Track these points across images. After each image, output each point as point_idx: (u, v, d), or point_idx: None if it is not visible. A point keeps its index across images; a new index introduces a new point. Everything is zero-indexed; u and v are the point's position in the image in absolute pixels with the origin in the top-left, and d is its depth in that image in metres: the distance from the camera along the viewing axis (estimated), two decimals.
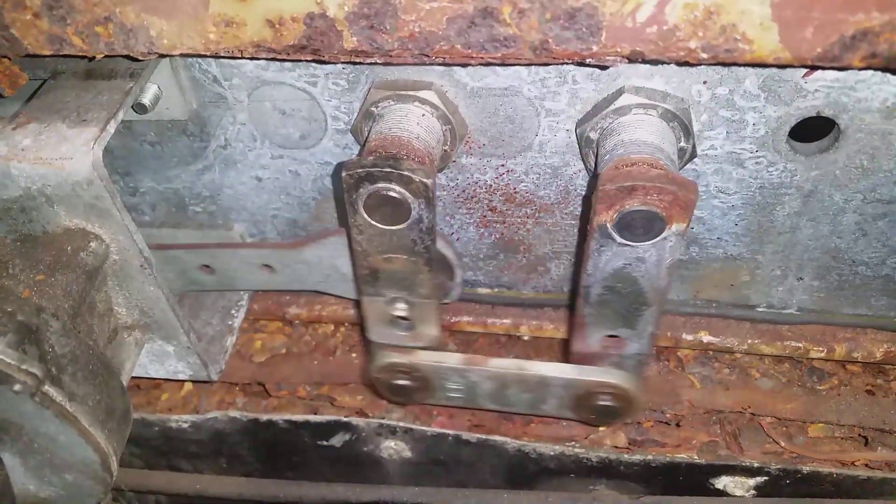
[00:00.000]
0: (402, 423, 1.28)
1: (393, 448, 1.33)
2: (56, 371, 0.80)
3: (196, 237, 1.26)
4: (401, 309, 1.09)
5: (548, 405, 1.11)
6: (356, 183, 0.87)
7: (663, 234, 0.85)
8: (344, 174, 0.86)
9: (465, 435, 1.27)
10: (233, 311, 1.30)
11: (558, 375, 1.06)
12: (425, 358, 1.09)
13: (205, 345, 1.23)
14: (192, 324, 1.08)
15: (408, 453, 1.33)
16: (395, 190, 0.88)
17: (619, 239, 0.86)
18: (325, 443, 1.35)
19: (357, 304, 1.27)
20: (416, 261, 0.99)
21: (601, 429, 1.26)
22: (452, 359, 1.09)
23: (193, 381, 1.41)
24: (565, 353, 1.25)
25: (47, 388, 0.78)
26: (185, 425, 1.37)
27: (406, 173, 0.86)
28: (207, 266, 1.20)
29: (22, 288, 0.85)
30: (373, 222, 0.92)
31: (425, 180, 0.86)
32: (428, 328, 1.12)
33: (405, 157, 0.88)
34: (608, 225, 0.84)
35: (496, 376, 1.08)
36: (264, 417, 1.33)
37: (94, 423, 0.84)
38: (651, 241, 0.86)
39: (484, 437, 1.26)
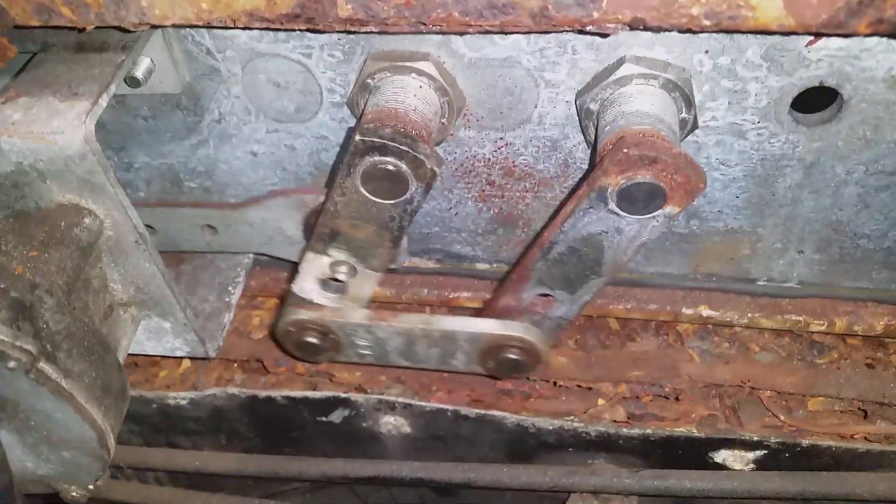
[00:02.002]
0: (401, 399, 1.28)
1: (392, 423, 1.33)
2: (51, 348, 0.79)
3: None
4: (341, 273, 1.09)
5: (456, 360, 1.12)
6: (366, 150, 0.86)
7: (655, 213, 0.84)
8: (357, 138, 0.85)
9: (464, 410, 1.26)
10: (230, 288, 1.29)
11: (464, 329, 1.07)
12: (333, 314, 1.09)
13: (202, 321, 1.22)
14: (188, 300, 1.08)
15: (407, 429, 1.33)
16: (402, 169, 0.87)
17: (612, 205, 0.84)
18: (324, 419, 1.35)
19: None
20: (384, 235, 0.99)
21: (600, 403, 1.26)
22: (359, 315, 1.09)
23: (191, 358, 1.41)
24: (478, 311, 1.25)
25: (42, 364, 0.77)
26: (184, 402, 1.37)
27: (420, 156, 0.85)
28: (149, 226, 1.18)
29: (15, 264, 0.84)
30: (362, 190, 0.91)
31: (435, 168, 0.86)
32: (361, 297, 1.11)
33: (415, 134, 0.86)
34: (610, 189, 0.83)
35: (403, 331, 1.08)
36: (263, 394, 1.33)
37: (91, 399, 0.83)
38: (639, 217, 0.85)
39: (483, 412, 1.26)
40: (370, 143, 0.85)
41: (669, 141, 0.81)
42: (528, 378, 1.29)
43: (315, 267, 1.09)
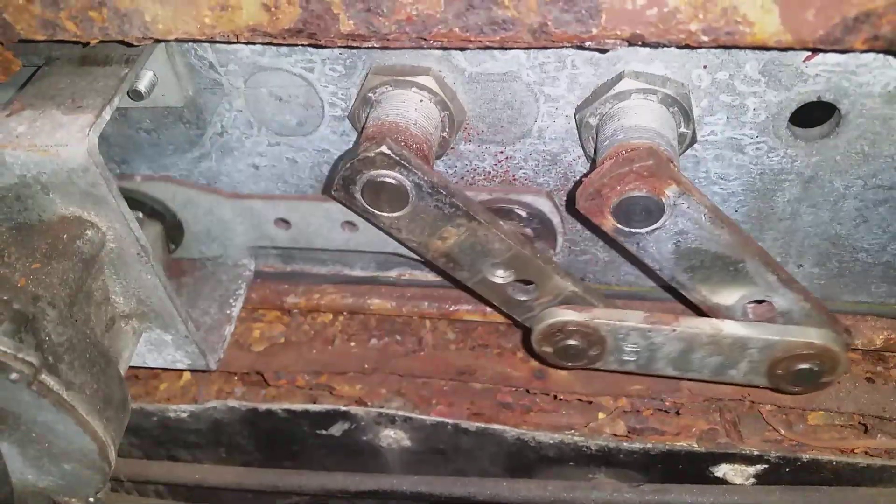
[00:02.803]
0: (401, 412, 1.28)
1: (392, 437, 1.33)
2: (53, 360, 0.79)
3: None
4: (501, 276, 1.03)
5: (736, 370, 1.04)
6: (348, 197, 0.90)
7: (670, 203, 0.85)
8: (336, 186, 0.89)
9: (465, 423, 1.26)
10: (231, 300, 1.29)
11: (759, 336, 0.99)
12: (604, 315, 1.02)
13: (203, 334, 1.22)
14: (190, 313, 1.08)
15: (407, 442, 1.33)
16: (380, 178, 0.89)
17: (637, 229, 0.86)
18: (324, 432, 1.34)
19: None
20: (463, 223, 0.94)
21: (601, 417, 1.25)
22: (635, 317, 1.02)
23: (192, 371, 1.41)
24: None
25: (44, 376, 0.78)
26: (184, 415, 1.36)
27: (371, 155, 0.87)
28: (284, 220, 1.17)
29: (18, 276, 0.84)
30: (392, 215, 0.92)
31: (383, 150, 0.86)
32: (554, 281, 1.03)
33: (405, 144, 0.87)
34: (612, 227, 0.84)
35: (686, 337, 1.00)
36: (263, 407, 1.33)
37: (92, 412, 0.83)
38: (666, 216, 0.86)
39: (483, 425, 1.26)
40: (342, 192, 0.89)
41: (661, 150, 0.82)
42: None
43: (488, 291, 1.05)
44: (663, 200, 0.85)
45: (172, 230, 1.24)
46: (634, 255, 0.94)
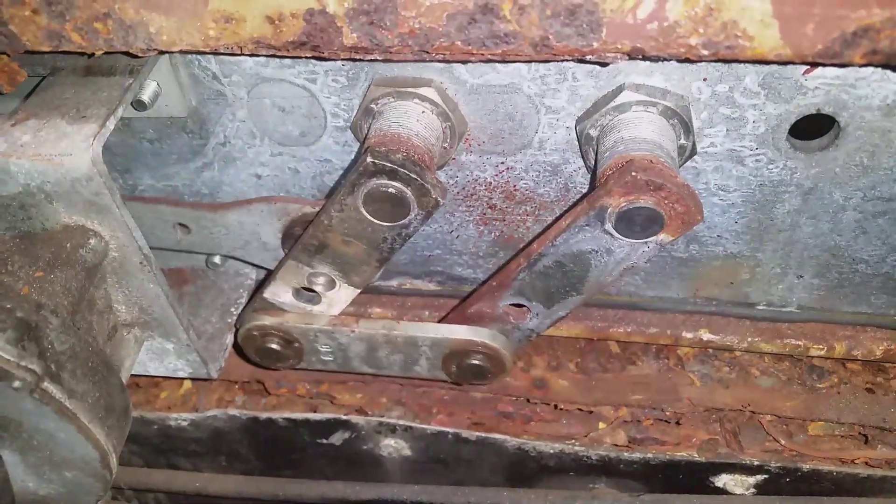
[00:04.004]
0: (401, 421, 1.29)
1: (392, 446, 1.33)
2: (55, 368, 0.79)
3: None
4: (319, 284, 1.09)
5: (419, 366, 1.12)
6: (375, 172, 0.87)
7: (648, 239, 0.85)
8: (368, 159, 0.86)
9: (465, 433, 1.27)
10: (232, 309, 1.29)
11: (427, 335, 1.07)
12: (295, 319, 1.10)
13: (204, 342, 1.22)
14: (191, 321, 1.08)
15: (407, 451, 1.33)
16: (407, 195, 0.88)
17: (608, 226, 0.85)
18: (324, 441, 1.35)
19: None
20: (372, 255, 1.00)
21: (601, 426, 1.26)
22: (321, 320, 1.10)
23: (193, 379, 1.41)
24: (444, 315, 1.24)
25: (46, 384, 0.78)
26: (185, 423, 1.37)
27: (427, 185, 0.87)
28: None
29: (21, 285, 0.85)
30: (362, 209, 0.92)
31: (440, 199, 0.88)
32: (331, 309, 1.13)
33: (423, 164, 0.88)
34: (610, 209, 0.83)
35: (365, 337, 1.09)
36: (263, 416, 1.33)
37: (94, 420, 0.84)
38: (632, 241, 0.86)
39: (484, 435, 1.26)
40: (381, 166, 0.87)
41: (672, 170, 0.83)
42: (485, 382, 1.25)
43: (293, 275, 1.09)
44: (664, 236, 0.86)
45: None
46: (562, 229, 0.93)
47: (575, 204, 1.07)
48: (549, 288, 0.98)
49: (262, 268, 1.27)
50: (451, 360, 1.10)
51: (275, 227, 1.13)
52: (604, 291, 1.22)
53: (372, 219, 0.93)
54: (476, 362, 1.08)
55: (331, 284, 1.09)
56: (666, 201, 0.81)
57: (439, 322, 1.19)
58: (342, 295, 1.10)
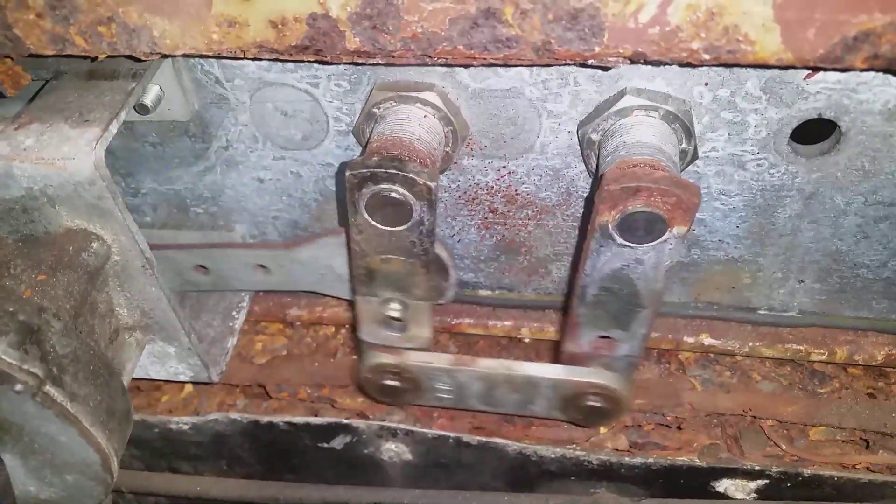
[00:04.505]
0: (402, 426, 1.28)
1: (394, 450, 1.33)
2: (57, 371, 0.80)
3: (197, 238, 1.26)
4: (394, 310, 1.09)
5: (536, 406, 1.12)
6: (359, 183, 0.87)
7: (664, 237, 0.85)
8: (347, 174, 0.86)
9: (466, 437, 1.26)
10: (234, 313, 1.30)
11: (546, 376, 1.07)
12: (415, 358, 1.10)
13: (206, 346, 1.23)
14: (193, 325, 1.08)
15: (408, 455, 1.33)
16: (398, 192, 0.88)
17: (619, 240, 0.85)
18: (325, 445, 1.34)
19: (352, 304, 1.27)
20: (414, 262, 0.99)
21: (602, 431, 1.26)
22: (441, 359, 1.10)
23: (194, 383, 1.41)
24: (556, 354, 1.24)
25: (48, 388, 0.78)
26: (186, 427, 1.37)
27: (410, 175, 0.86)
28: (203, 266, 1.20)
29: (23, 288, 0.85)
30: (373, 223, 0.92)
31: (429, 183, 0.86)
32: (420, 329, 1.12)
33: (408, 158, 0.88)
34: (609, 225, 0.84)
35: (485, 377, 1.09)
36: (265, 419, 1.33)
37: (95, 423, 0.84)
38: (651, 244, 0.86)
39: (485, 439, 1.26)
40: (361, 174, 0.87)
41: (664, 166, 0.83)
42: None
43: (369, 310, 1.09)
44: (670, 231, 0.85)
45: None
46: (585, 255, 0.93)
47: (584, 229, 1.08)
48: (613, 313, 0.98)
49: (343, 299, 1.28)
50: (570, 402, 1.10)
51: (345, 259, 1.15)
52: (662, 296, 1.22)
53: (387, 228, 0.93)
54: (594, 403, 1.08)
55: (404, 307, 1.09)
56: (653, 199, 0.81)
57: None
58: (420, 314, 1.10)
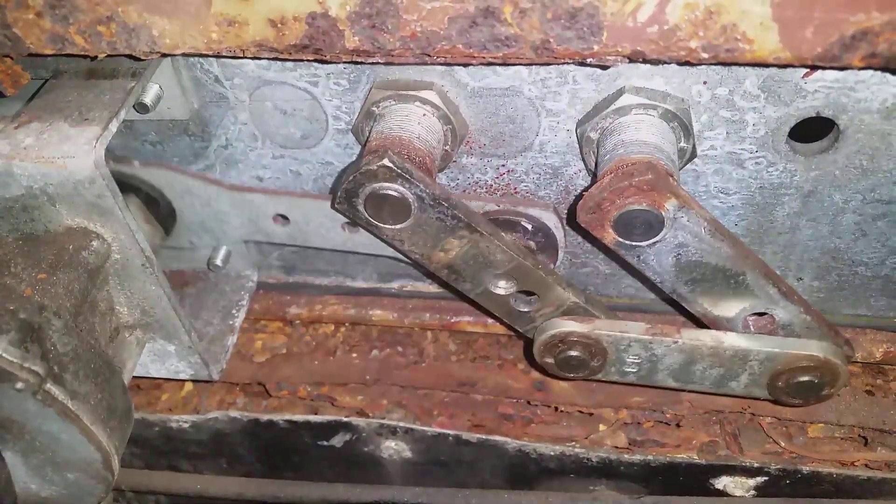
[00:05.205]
0: (402, 424, 1.29)
1: (393, 448, 1.33)
2: (58, 369, 0.80)
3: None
4: (503, 287, 1.04)
5: (737, 382, 1.04)
6: (350, 207, 0.91)
7: (670, 216, 0.86)
8: (340, 193, 0.90)
9: (466, 435, 1.27)
10: (234, 311, 1.30)
11: (760, 349, 0.99)
12: (606, 326, 1.02)
13: (206, 344, 1.23)
14: (193, 323, 1.08)
15: (408, 453, 1.33)
16: (380, 187, 0.89)
17: (639, 242, 0.87)
18: (325, 443, 1.35)
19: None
20: (463, 237, 0.95)
21: (601, 428, 1.26)
22: (637, 328, 1.02)
23: (194, 381, 1.41)
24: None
25: (49, 386, 0.78)
26: (186, 425, 1.37)
27: (372, 168, 0.87)
28: (283, 216, 1.17)
29: (24, 286, 0.85)
30: (390, 226, 0.93)
31: (383, 162, 0.87)
32: (556, 292, 1.03)
33: (416, 160, 0.88)
34: (621, 241, 0.85)
35: (688, 349, 1.01)
36: (265, 417, 1.33)
37: (96, 421, 0.84)
38: (667, 228, 0.87)
39: (484, 437, 1.26)
40: (342, 195, 0.90)
41: (661, 164, 0.83)
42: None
43: (491, 303, 1.06)
44: (663, 214, 0.86)
45: (166, 218, 1.23)
46: (636, 267, 0.95)
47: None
48: (727, 290, 0.97)
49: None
50: (779, 377, 1.02)
51: None
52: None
53: (396, 226, 0.94)
54: (807, 378, 1.00)
55: (510, 279, 1.03)
56: (618, 202, 0.85)
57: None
58: (532, 276, 1.02)
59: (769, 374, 1.02)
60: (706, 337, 1.00)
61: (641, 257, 0.92)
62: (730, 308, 1.00)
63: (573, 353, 1.04)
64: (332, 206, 0.98)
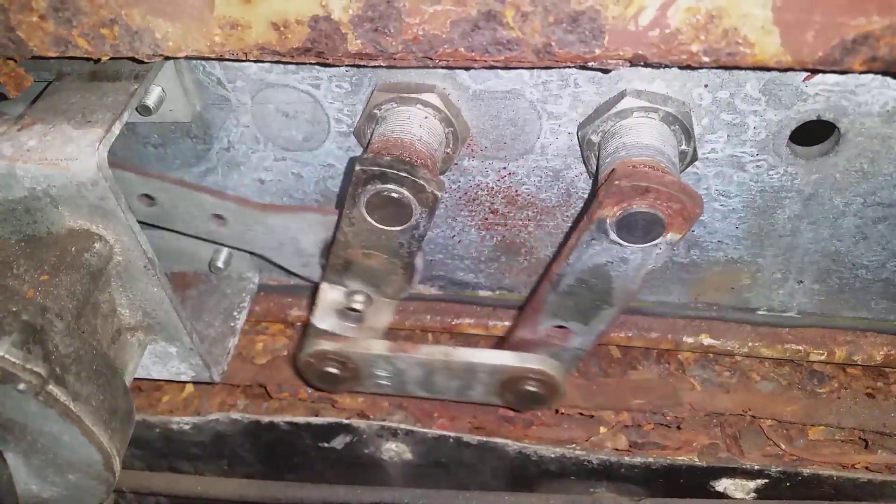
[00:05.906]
0: (403, 426, 1.29)
1: (394, 450, 1.33)
2: (60, 371, 0.80)
3: None
4: (358, 302, 1.11)
5: (475, 391, 1.14)
6: (367, 179, 0.88)
7: (657, 241, 0.85)
8: (357, 168, 0.87)
9: (466, 437, 1.27)
10: (235, 313, 1.30)
11: (484, 362, 1.09)
12: (354, 346, 1.11)
13: (207, 346, 1.23)
14: (194, 325, 1.09)
15: (409, 455, 1.34)
16: (404, 195, 0.88)
17: (613, 236, 0.86)
18: (326, 445, 1.35)
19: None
20: (395, 262, 1.01)
21: (602, 430, 1.26)
22: (380, 346, 1.11)
23: (195, 383, 1.41)
24: (501, 341, 1.26)
25: (51, 387, 0.78)
26: (187, 427, 1.37)
27: (420, 181, 0.87)
28: (149, 196, 1.15)
29: (27, 288, 0.85)
30: (369, 219, 0.93)
31: (437, 192, 0.88)
32: (377, 323, 1.14)
33: (419, 163, 0.88)
34: (608, 220, 0.84)
35: (423, 363, 1.10)
36: (265, 419, 1.33)
37: (98, 422, 0.84)
38: (642, 245, 0.86)
39: (485, 439, 1.26)
40: (370, 171, 0.87)
41: (667, 170, 0.83)
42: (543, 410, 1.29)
43: (331, 297, 1.11)
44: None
45: None
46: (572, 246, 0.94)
47: (578, 219, 1.08)
48: (580, 305, 0.99)
49: (284, 269, 1.27)
50: (506, 387, 1.11)
51: (317, 238, 1.14)
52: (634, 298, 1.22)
53: (381, 226, 0.94)
54: (530, 388, 1.10)
55: (368, 301, 1.11)
56: (658, 202, 0.82)
57: (498, 345, 1.20)
58: (382, 309, 1.12)
59: (497, 385, 1.11)
60: (438, 352, 1.10)
61: (594, 242, 0.89)
62: (562, 313, 1.03)
63: (330, 369, 1.13)
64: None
